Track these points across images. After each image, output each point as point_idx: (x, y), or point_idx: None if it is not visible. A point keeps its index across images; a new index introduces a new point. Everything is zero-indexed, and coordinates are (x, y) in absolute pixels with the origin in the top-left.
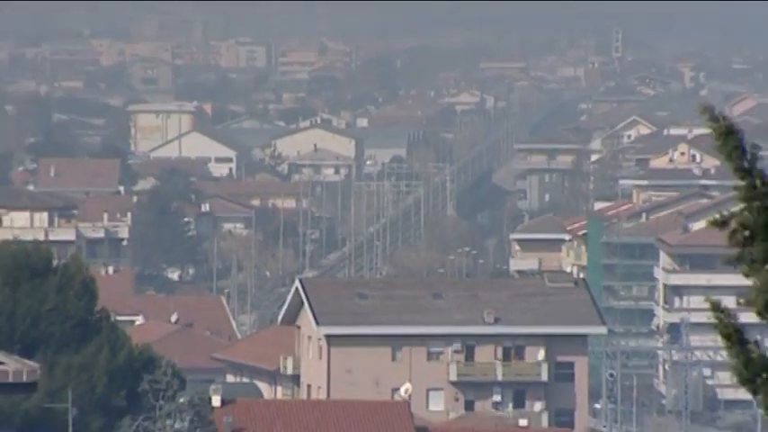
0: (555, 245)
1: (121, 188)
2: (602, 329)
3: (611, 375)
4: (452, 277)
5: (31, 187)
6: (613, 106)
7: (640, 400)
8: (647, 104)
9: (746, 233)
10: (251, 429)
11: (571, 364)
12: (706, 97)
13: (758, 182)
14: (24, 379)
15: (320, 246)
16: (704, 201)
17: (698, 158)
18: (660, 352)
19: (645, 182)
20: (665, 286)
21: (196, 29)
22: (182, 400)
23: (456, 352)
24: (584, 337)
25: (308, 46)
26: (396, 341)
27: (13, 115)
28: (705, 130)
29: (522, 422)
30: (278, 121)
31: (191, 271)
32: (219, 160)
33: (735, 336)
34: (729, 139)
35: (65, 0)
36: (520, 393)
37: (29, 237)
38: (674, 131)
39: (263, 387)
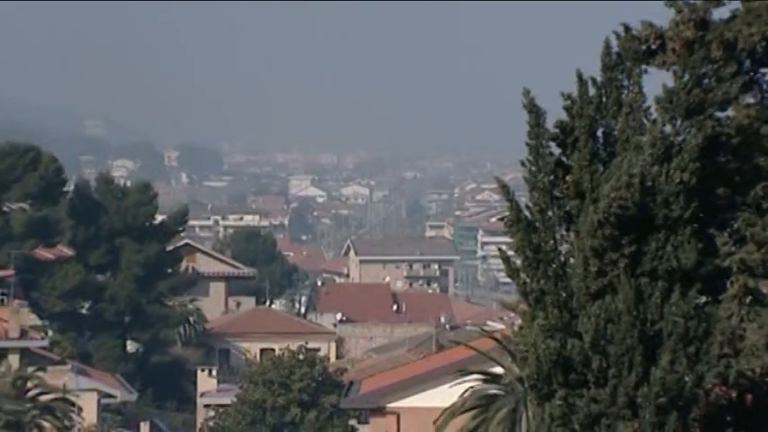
0: (442, 227)
1: (285, 206)
2: (458, 257)
3: (462, 274)
4: (405, 239)
5: (253, 205)
6: (461, 177)
7: (475, 283)
8: (475, 176)
9: (510, 222)
10: (332, 294)
11: (447, 270)
12: (498, 173)
13: (514, 204)
14: (250, 275)
15: (358, 227)
16: (496, 211)
17: (494, 196)
18: (479, 264)
19: (473, 204)
20: (481, 242)
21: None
22: (306, 282)
23: (406, 266)
24: (452, 261)
25: (354, 155)
26: (385, 262)
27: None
28: (494, 185)
29: (430, 291)
30: (346, 186)
31: (309, 236)
32: (320, 197)
33: (506, 258)
34: (505, 189)
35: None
36: (429, 281)
37: (253, 224)
38: (485, 186)
39: (338, 279)
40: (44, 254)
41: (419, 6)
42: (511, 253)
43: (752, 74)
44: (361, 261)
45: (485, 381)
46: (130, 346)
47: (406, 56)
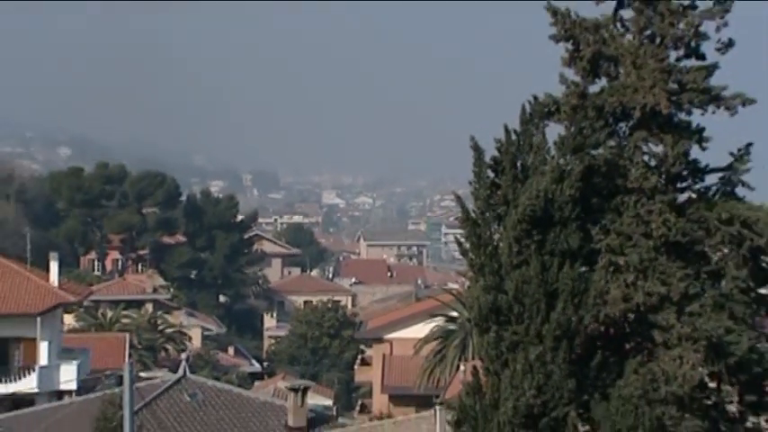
0: (419, 223)
1: (319, 210)
2: (429, 242)
3: (431, 253)
4: (395, 231)
5: (298, 209)
6: (432, 191)
7: (440, 259)
8: (440, 190)
9: (462, 219)
10: (349, 266)
11: (422, 251)
12: (454, 189)
13: (465, 208)
14: (297, 254)
15: (365, 223)
16: (453, 213)
17: (453, 203)
18: (443, 247)
19: (439, 208)
20: (444, 233)
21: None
22: (332, 258)
23: (396, 248)
24: (425, 245)
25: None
26: (382, 245)
27: (299, 199)
28: (453, 196)
29: (411, 264)
30: (358, 197)
31: (334, 229)
32: (341, 204)
33: (459, 243)
34: (459, 199)
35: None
36: (410, 257)
37: (298, 222)
38: (447, 197)
39: (353, 256)
40: (167, 240)
41: (404, 63)
42: (462, 240)
43: (613, 126)
44: (367, 245)
45: (446, 321)
46: (221, 299)
47: (401, 107)
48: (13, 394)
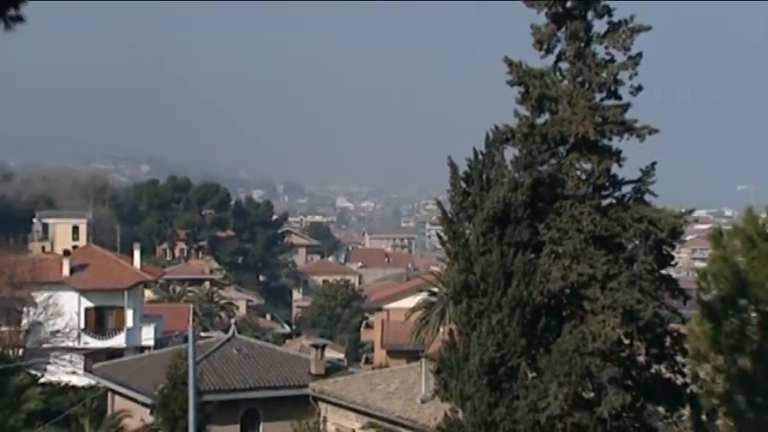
0: (409, 221)
1: (334, 211)
2: (416, 236)
3: (418, 244)
4: (391, 227)
5: (318, 211)
6: (419, 196)
7: (425, 248)
8: (425, 196)
9: (441, 218)
10: (357, 254)
11: (412, 242)
12: (435, 195)
13: (443, 210)
14: (317, 245)
15: (368, 221)
16: (434, 214)
17: (434, 206)
18: (427, 240)
19: (425, 210)
20: (428, 228)
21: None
22: (344, 248)
23: (392, 240)
24: (414, 237)
25: (371, 198)
26: (382, 238)
27: (318, 203)
28: (434, 201)
29: (404, 252)
30: (363, 201)
31: (345, 226)
32: (351, 207)
33: (439, 236)
34: (439, 203)
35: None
36: (403, 247)
37: (318, 220)
38: (430, 201)
39: (360, 246)
40: (220, 234)
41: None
42: (442, 234)
43: (554, 149)
44: (370, 238)
45: (429, 295)
46: (261, 278)
47: (397, 134)
48: (107, 348)
